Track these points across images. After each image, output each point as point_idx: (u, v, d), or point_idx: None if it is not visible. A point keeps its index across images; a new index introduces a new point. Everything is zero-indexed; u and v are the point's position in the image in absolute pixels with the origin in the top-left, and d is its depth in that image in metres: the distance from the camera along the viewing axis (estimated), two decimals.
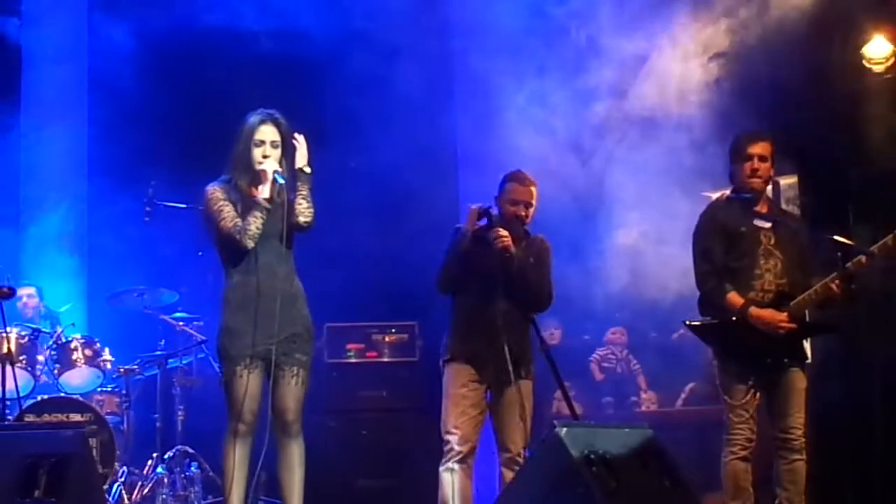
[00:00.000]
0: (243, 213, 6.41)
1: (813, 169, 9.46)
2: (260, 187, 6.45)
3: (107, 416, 9.47)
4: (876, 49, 9.35)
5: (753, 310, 6.81)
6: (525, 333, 7.14)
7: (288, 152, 6.56)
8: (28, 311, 10.35)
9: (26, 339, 9.49)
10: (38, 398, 9.35)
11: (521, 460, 6.90)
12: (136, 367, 9.70)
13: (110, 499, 8.95)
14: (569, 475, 5.32)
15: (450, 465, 7.09)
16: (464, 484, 7.08)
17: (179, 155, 10.42)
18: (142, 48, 10.77)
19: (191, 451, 9.44)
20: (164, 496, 9.05)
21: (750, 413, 6.89)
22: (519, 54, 10.18)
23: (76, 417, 9.27)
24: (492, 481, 7.72)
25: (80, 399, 9.48)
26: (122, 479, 9.24)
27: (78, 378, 9.66)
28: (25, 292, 10.41)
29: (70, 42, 11.60)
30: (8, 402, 8.65)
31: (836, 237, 6.64)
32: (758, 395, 6.92)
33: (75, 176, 11.47)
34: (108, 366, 9.71)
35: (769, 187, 7.41)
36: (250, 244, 6.37)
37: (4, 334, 9.07)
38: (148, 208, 9.38)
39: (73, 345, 9.61)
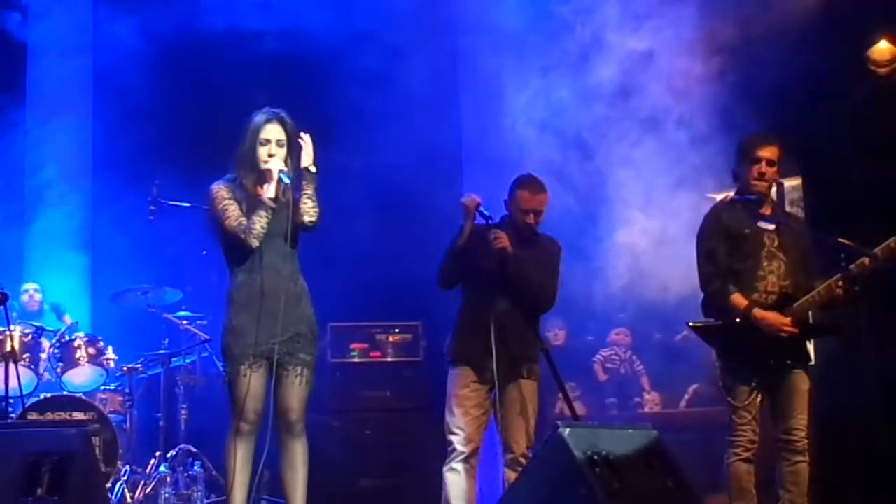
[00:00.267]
0: (248, 212, 6.40)
1: (817, 171, 9.45)
2: (265, 186, 6.44)
3: (110, 415, 9.48)
4: (881, 51, 9.34)
5: (757, 311, 6.80)
6: (527, 334, 7.14)
7: (293, 151, 6.55)
8: (33, 305, 10.39)
9: (30, 337, 9.51)
10: (42, 396, 9.36)
11: (524, 461, 6.90)
12: (139, 365, 9.71)
13: (113, 497, 8.96)
14: (572, 476, 5.32)
15: (453, 465, 7.11)
16: (467, 484, 7.09)
17: (184, 153, 10.44)
18: (147, 45, 10.77)
19: (194, 450, 9.44)
20: (166, 495, 9.05)
21: (753, 414, 6.88)
22: (523, 52, 10.17)
23: (79, 416, 9.28)
24: (496, 482, 7.71)
25: (84, 397, 9.49)
26: (125, 478, 9.24)
27: (81, 376, 9.66)
28: (31, 287, 10.46)
29: (75, 37, 11.63)
30: (11, 401, 8.66)
31: (839, 239, 6.63)
32: (761, 396, 6.91)
33: (80, 173, 11.48)
34: (112, 364, 9.71)
35: (773, 189, 7.40)
36: (255, 243, 6.37)
37: (8, 333, 9.09)
38: (152, 207, 9.39)
39: (76, 343, 9.62)
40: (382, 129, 10.28)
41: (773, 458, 6.99)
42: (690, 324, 7.15)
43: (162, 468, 9.19)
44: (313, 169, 6.54)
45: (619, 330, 11.12)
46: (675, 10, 9.47)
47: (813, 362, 7.30)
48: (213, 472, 9.24)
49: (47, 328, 9.83)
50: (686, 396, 10.58)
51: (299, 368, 6.45)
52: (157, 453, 9.42)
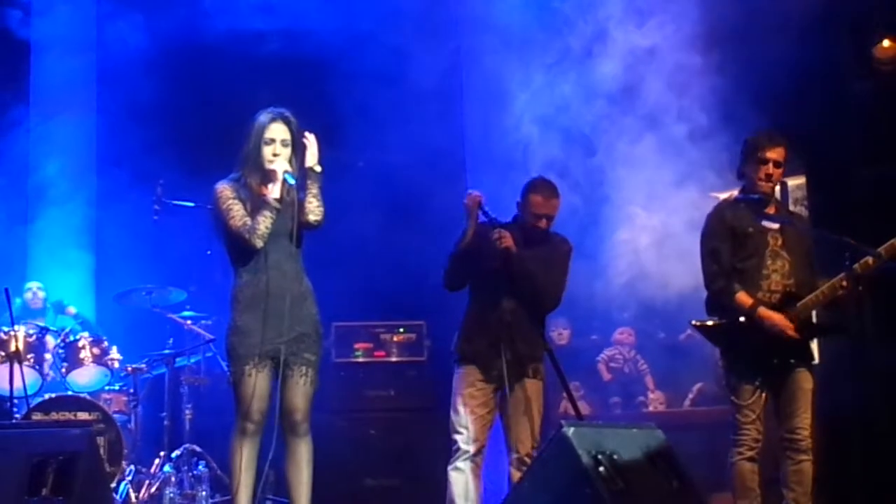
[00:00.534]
0: (253, 212, 6.40)
1: (821, 170, 9.45)
2: (270, 186, 6.44)
3: (114, 415, 9.48)
4: (885, 49, 9.33)
5: (762, 310, 6.81)
6: (533, 334, 7.14)
7: (298, 151, 6.55)
8: (37, 303, 10.40)
9: (34, 337, 9.50)
10: (46, 397, 9.37)
11: (529, 461, 6.89)
12: (143, 365, 9.70)
13: (118, 497, 8.95)
14: (576, 475, 5.33)
15: (458, 464, 7.12)
16: (472, 484, 7.09)
17: (188, 152, 10.42)
18: (151, 44, 10.78)
19: (198, 449, 9.44)
20: (171, 495, 9.05)
21: (757, 413, 6.89)
22: (527, 51, 10.16)
23: (84, 416, 9.28)
24: (501, 482, 7.71)
25: (88, 398, 9.49)
26: (130, 478, 9.23)
27: (85, 376, 9.67)
28: (34, 286, 10.48)
29: (78, 34, 11.61)
30: (16, 401, 8.69)
31: (843, 238, 6.63)
32: (765, 395, 6.91)
33: (84, 171, 11.48)
34: (116, 364, 9.71)
35: (777, 188, 7.40)
36: (259, 244, 6.37)
37: (12, 333, 9.10)
38: (156, 206, 9.39)
39: (80, 343, 9.62)
40: (386, 128, 10.28)
41: (777, 457, 6.99)
42: (694, 323, 7.15)
43: (166, 468, 9.19)
44: (318, 169, 6.53)
45: (623, 329, 11.11)
46: (678, 5, 9.47)
47: (817, 361, 7.29)
48: (218, 472, 9.24)
49: (51, 327, 9.84)
50: (690, 395, 10.58)
51: (304, 368, 6.45)
52: (162, 453, 9.42)
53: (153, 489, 9.15)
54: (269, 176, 6.46)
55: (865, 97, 9.27)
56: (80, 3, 11.69)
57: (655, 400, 10.79)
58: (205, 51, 10.58)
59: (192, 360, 9.93)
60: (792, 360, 6.90)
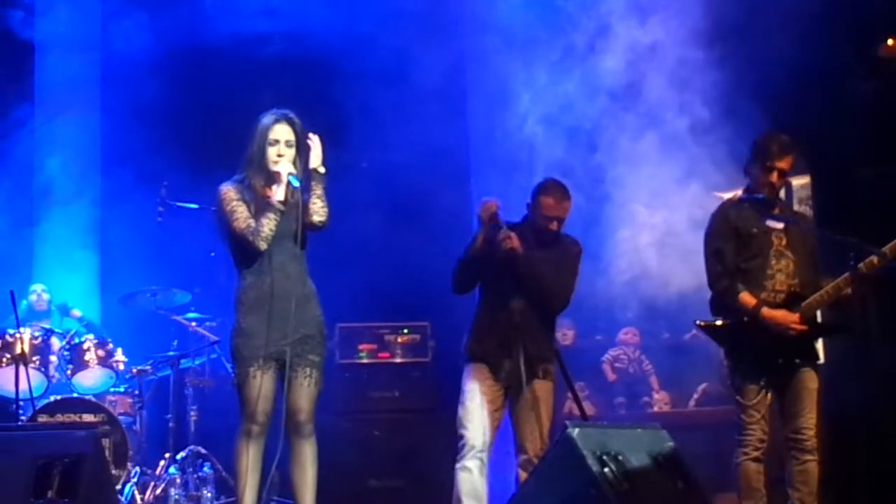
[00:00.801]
0: (257, 214, 6.41)
1: (826, 169, 9.44)
2: (274, 187, 6.45)
3: (119, 417, 9.49)
4: (891, 46, 9.32)
5: (766, 310, 6.80)
6: (543, 334, 7.13)
7: (302, 152, 6.55)
8: (41, 305, 10.41)
9: (39, 339, 9.51)
10: (51, 399, 9.38)
11: (537, 462, 6.88)
12: (148, 367, 9.71)
13: (123, 499, 8.96)
14: (581, 476, 5.33)
15: (466, 462, 7.05)
16: (478, 482, 7.04)
17: (192, 153, 10.43)
18: (155, 45, 10.78)
19: (203, 451, 9.44)
20: (176, 496, 9.05)
21: (762, 413, 6.88)
22: (530, 50, 10.15)
23: (89, 418, 9.29)
24: (508, 483, 7.69)
25: (93, 399, 9.50)
26: (135, 480, 9.24)
27: (91, 378, 9.68)
28: (38, 288, 10.48)
29: (83, 35, 11.60)
30: (21, 403, 8.70)
31: (847, 237, 6.63)
32: (770, 395, 6.91)
33: (88, 172, 11.49)
34: (121, 366, 9.72)
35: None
36: (263, 246, 6.37)
37: (18, 335, 9.11)
38: (160, 208, 9.38)
39: (85, 345, 9.63)
40: (390, 129, 10.28)
41: (782, 457, 6.99)
42: (699, 323, 7.15)
43: (171, 470, 9.20)
44: (322, 170, 6.54)
45: (627, 329, 11.11)
46: (681, 3, 9.47)
47: (822, 361, 7.29)
48: (223, 474, 9.24)
49: (57, 330, 9.85)
50: (695, 396, 10.58)
51: (308, 369, 6.46)
52: (167, 455, 9.42)
53: (158, 491, 9.16)
54: (273, 177, 6.46)
55: (869, 97, 9.26)
56: (84, 3, 11.70)
57: (660, 400, 10.79)
58: (208, 52, 10.59)
59: (197, 362, 9.93)
60: (797, 360, 6.90)
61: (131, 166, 10.67)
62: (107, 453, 8.68)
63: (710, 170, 8.97)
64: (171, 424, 9.60)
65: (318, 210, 6.49)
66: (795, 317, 6.79)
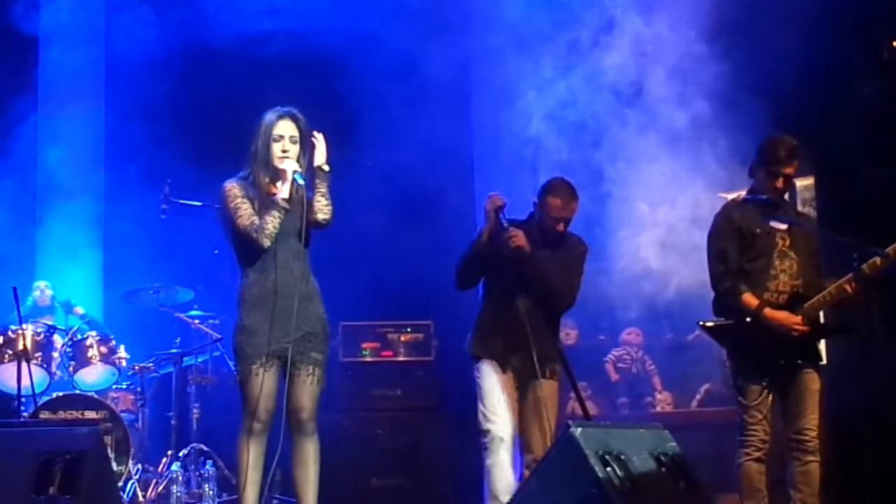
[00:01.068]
0: (261, 211, 6.40)
1: (829, 170, 9.43)
2: (278, 184, 6.44)
3: (122, 414, 9.48)
4: None
5: (768, 311, 6.80)
6: (548, 334, 7.12)
7: (307, 149, 6.55)
8: (45, 300, 10.41)
9: (42, 335, 9.51)
10: (54, 395, 9.38)
11: None
12: (151, 364, 9.72)
13: (125, 496, 8.96)
14: (583, 475, 5.32)
15: (496, 457, 6.97)
16: (510, 476, 6.98)
17: (195, 150, 10.42)
18: (159, 39, 10.79)
19: (206, 448, 9.45)
20: (178, 494, 9.05)
21: (764, 414, 6.88)
22: (535, 47, 10.13)
23: (91, 415, 9.29)
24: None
25: (96, 396, 9.49)
26: (137, 477, 9.25)
27: (93, 375, 9.67)
28: (42, 284, 10.49)
29: (87, 28, 11.59)
30: (23, 399, 8.69)
31: (851, 239, 6.62)
32: (772, 395, 6.90)
33: (92, 168, 11.48)
34: (124, 363, 9.71)
35: None
36: (267, 243, 6.37)
37: (20, 331, 9.11)
38: (164, 206, 9.39)
39: (88, 342, 9.62)
40: (395, 128, 10.27)
41: (784, 458, 6.98)
42: (702, 323, 7.14)
43: (174, 467, 9.20)
44: (326, 168, 6.53)
45: (630, 329, 11.11)
46: (688, 1, 9.47)
47: (824, 362, 7.28)
48: (225, 471, 9.25)
49: (59, 326, 9.84)
50: (698, 396, 10.58)
51: (311, 367, 6.45)
52: (169, 452, 9.43)
53: (160, 488, 9.17)
54: (278, 174, 6.46)
55: (874, 98, 9.25)
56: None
57: (663, 400, 10.79)
58: (213, 49, 10.57)
59: (200, 360, 9.94)
60: (799, 361, 6.89)
61: (135, 162, 10.68)
62: (109, 450, 8.67)
63: (715, 169, 8.96)
64: (173, 422, 9.61)
65: (323, 208, 6.49)
66: (798, 318, 6.79)
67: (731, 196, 7.57)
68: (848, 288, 6.64)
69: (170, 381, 9.80)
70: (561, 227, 7.15)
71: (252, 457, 6.38)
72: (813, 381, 6.89)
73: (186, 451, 9.39)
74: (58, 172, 11.29)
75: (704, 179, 9.09)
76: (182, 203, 9.33)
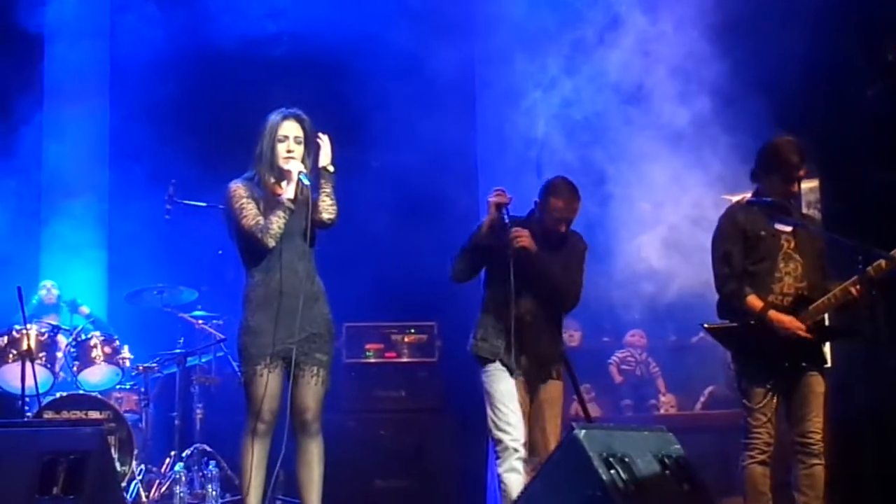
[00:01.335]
0: (266, 211, 6.41)
1: (835, 173, 9.42)
2: (283, 184, 6.45)
3: (125, 414, 9.49)
4: None
5: (772, 313, 6.79)
6: (553, 334, 7.11)
7: (311, 150, 6.56)
8: (51, 299, 10.41)
9: (46, 335, 9.51)
10: (57, 395, 9.39)
11: None
12: (155, 364, 9.72)
13: (128, 496, 8.96)
14: (587, 477, 5.32)
15: (511, 465, 6.90)
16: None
17: (200, 150, 10.43)
18: (165, 39, 10.75)
19: (209, 449, 9.45)
20: (181, 494, 9.04)
21: (768, 416, 6.87)
22: (540, 47, 10.11)
23: (95, 415, 9.29)
24: None
25: (99, 396, 9.50)
26: (140, 477, 9.24)
27: (97, 375, 9.68)
28: (48, 283, 10.49)
29: (92, 27, 11.58)
30: (27, 399, 8.70)
31: (856, 241, 6.61)
32: (776, 398, 6.89)
33: (97, 166, 11.47)
34: (127, 363, 9.72)
35: None
36: (271, 243, 6.37)
37: (24, 331, 9.11)
38: (168, 206, 9.39)
39: (92, 342, 9.63)
40: (399, 128, 10.27)
41: (788, 461, 6.98)
42: (706, 325, 7.13)
43: (177, 467, 9.19)
44: (331, 168, 6.55)
45: (634, 331, 11.10)
46: (693, 2, 9.46)
47: (829, 365, 7.27)
48: (228, 472, 9.25)
49: (63, 326, 9.85)
50: (702, 398, 10.57)
51: (315, 368, 6.46)
52: (173, 452, 9.42)
53: (163, 488, 9.16)
54: (283, 174, 6.47)
55: (879, 100, 9.23)
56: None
57: (667, 403, 10.78)
58: (218, 49, 10.56)
59: (203, 360, 9.94)
60: (804, 364, 6.88)
61: (140, 162, 10.68)
62: (112, 450, 8.68)
63: (719, 169, 8.94)
64: (176, 422, 9.61)
65: (328, 208, 6.50)
66: (803, 321, 6.78)
67: (735, 198, 7.55)
68: (853, 290, 6.63)
69: (173, 382, 9.79)
70: (563, 227, 7.12)
71: (256, 457, 6.40)
72: (817, 384, 6.88)
73: (190, 452, 9.39)
74: (62, 172, 11.30)
75: (708, 179, 9.07)
76: (186, 203, 9.33)
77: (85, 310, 10.36)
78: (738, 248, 6.97)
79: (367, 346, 10.25)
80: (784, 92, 9.04)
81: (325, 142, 6.57)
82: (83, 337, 9.67)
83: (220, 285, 9.71)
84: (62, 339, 9.72)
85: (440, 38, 10.21)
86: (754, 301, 6.84)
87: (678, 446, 5.84)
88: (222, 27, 10.24)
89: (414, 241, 10.26)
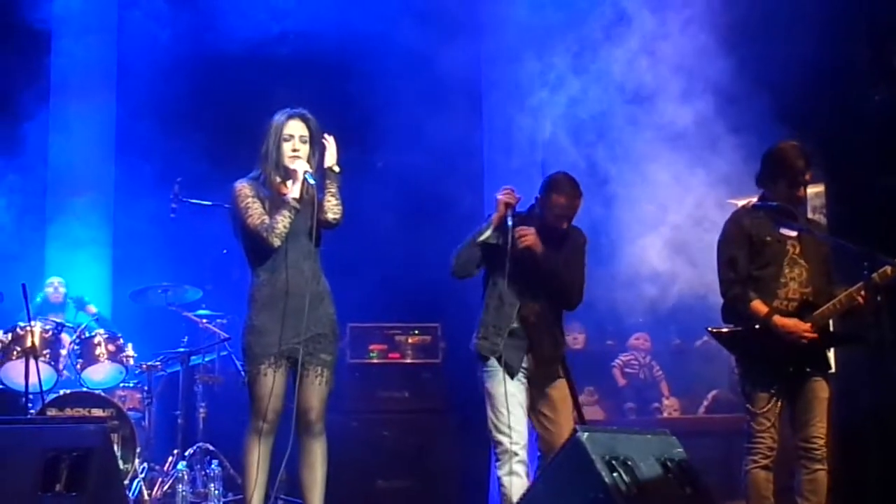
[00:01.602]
0: (271, 211, 6.41)
1: (840, 178, 9.41)
2: (289, 183, 6.45)
3: (128, 412, 9.50)
4: None
5: (777, 318, 6.78)
6: (557, 333, 7.09)
7: (317, 149, 6.56)
8: (57, 298, 10.42)
9: (50, 333, 9.51)
10: (61, 392, 9.39)
11: None
12: (158, 363, 9.72)
13: (131, 494, 8.96)
14: (590, 480, 5.32)
15: (513, 467, 6.85)
16: (527, 485, 6.88)
17: (207, 150, 10.44)
18: (171, 39, 10.80)
19: (212, 448, 9.45)
20: (184, 493, 9.03)
21: (772, 421, 6.86)
22: (547, 48, 10.10)
23: (98, 412, 9.29)
24: None
25: (103, 394, 9.51)
26: (143, 475, 9.25)
27: (100, 373, 9.68)
28: (55, 281, 10.49)
29: (99, 23, 11.59)
30: (31, 396, 8.70)
31: (861, 247, 6.60)
32: (780, 403, 6.89)
33: (103, 164, 11.47)
34: (131, 361, 9.72)
35: None
36: (277, 242, 6.37)
37: (29, 328, 9.11)
38: (174, 205, 9.39)
39: (96, 340, 9.63)
40: (405, 129, 10.27)
41: (791, 466, 6.97)
42: (710, 329, 7.13)
43: (180, 466, 9.18)
44: (337, 169, 6.55)
45: (638, 335, 11.11)
46: (697, 6, 9.45)
47: (833, 370, 7.27)
48: (231, 471, 9.24)
49: (67, 324, 9.85)
50: (705, 402, 10.58)
51: (320, 368, 6.45)
52: (176, 451, 9.43)
53: (166, 487, 9.16)
54: (289, 174, 6.46)
55: (885, 104, 9.22)
56: None
57: (670, 406, 10.79)
58: (225, 49, 10.55)
59: (207, 359, 9.95)
60: (808, 369, 6.88)
61: (146, 160, 10.68)
62: (115, 448, 8.67)
63: (724, 172, 8.94)
64: (179, 421, 9.61)
65: (333, 207, 6.50)
66: (807, 325, 6.78)
67: (740, 202, 7.55)
68: (858, 297, 6.62)
69: (177, 380, 9.80)
70: (565, 224, 7.08)
71: (259, 457, 6.39)
72: (821, 390, 6.88)
73: (192, 451, 9.40)
74: (68, 168, 11.31)
75: (713, 183, 9.06)
76: (192, 202, 9.33)
77: (92, 308, 10.37)
78: (744, 252, 6.97)
79: (371, 347, 10.25)
80: (790, 96, 9.04)
81: (330, 142, 6.57)
82: (87, 334, 9.68)
83: (224, 284, 9.72)
84: (66, 337, 9.72)
85: (446, 38, 10.21)
86: (759, 306, 6.84)
87: (681, 450, 5.84)
88: (230, 26, 10.25)
89: (419, 241, 10.25)
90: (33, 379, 8.54)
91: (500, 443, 6.92)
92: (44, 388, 8.91)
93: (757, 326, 6.84)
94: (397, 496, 9.93)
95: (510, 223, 6.89)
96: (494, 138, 11.06)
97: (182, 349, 9.74)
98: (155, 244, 10.48)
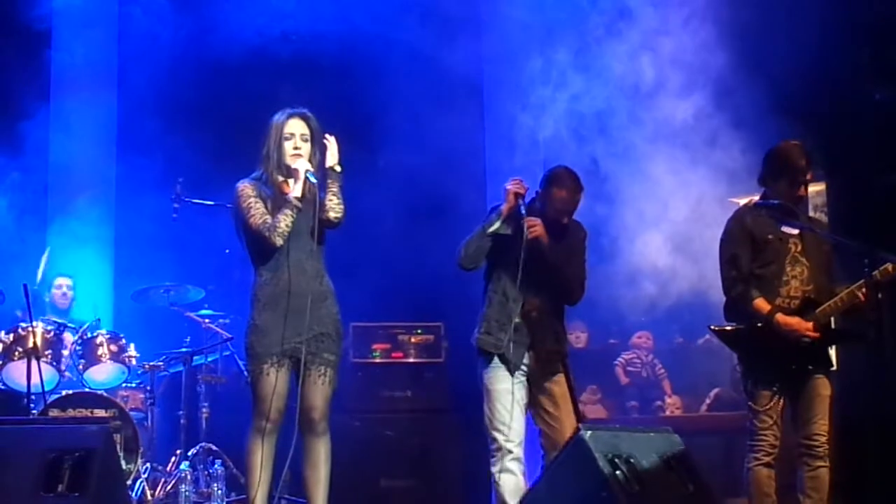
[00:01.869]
0: (274, 210, 6.41)
1: (841, 176, 9.42)
2: (291, 182, 6.45)
3: (131, 412, 9.48)
4: None
5: (780, 316, 6.79)
6: (559, 328, 7.09)
7: (318, 148, 6.56)
8: (65, 302, 10.37)
9: (52, 333, 9.50)
10: (63, 393, 9.37)
11: None
12: (161, 363, 9.71)
13: (133, 495, 8.95)
14: (593, 478, 5.33)
15: (505, 466, 6.87)
16: (521, 482, 6.86)
17: (208, 150, 10.43)
18: (173, 40, 10.76)
19: (214, 448, 9.44)
20: (187, 493, 9.04)
21: (774, 419, 6.87)
22: (548, 46, 10.10)
23: (100, 413, 9.28)
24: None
25: (105, 394, 9.49)
26: (146, 476, 9.23)
27: (103, 373, 9.67)
28: (63, 283, 10.44)
29: (100, 20, 11.55)
30: (33, 397, 8.70)
31: (863, 245, 6.61)
32: (782, 401, 6.90)
33: (104, 163, 11.45)
34: (134, 362, 9.70)
35: None
36: (279, 242, 6.37)
37: (31, 329, 9.11)
38: (175, 205, 9.39)
39: (98, 340, 9.61)
40: (406, 128, 10.27)
41: (793, 463, 6.97)
42: (712, 328, 7.14)
43: (183, 466, 9.19)
44: (339, 168, 6.55)
45: (641, 333, 11.11)
46: (698, 5, 9.45)
47: (835, 368, 7.27)
48: (234, 471, 9.24)
49: (70, 324, 9.84)
50: (707, 400, 10.58)
51: (323, 368, 6.45)
52: (178, 451, 9.43)
53: (169, 487, 9.17)
54: (291, 173, 6.47)
55: (886, 103, 9.23)
56: None
57: (672, 404, 10.80)
58: (227, 48, 10.52)
59: (210, 359, 9.94)
60: (810, 367, 6.89)
61: (148, 158, 10.65)
62: (118, 448, 8.67)
63: (725, 170, 8.94)
64: (182, 421, 9.61)
65: (335, 206, 6.51)
66: (810, 324, 6.79)
67: (742, 201, 7.56)
68: (860, 294, 6.62)
69: (179, 380, 9.79)
70: (565, 219, 7.07)
71: (262, 457, 6.40)
72: (823, 387, 6.89)
73: (195, 451, 9.39)
74: (69, 167, 11.26)
75: (714, 180, 9.06)
76: (194, 202, 9.33)
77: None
78: (746, 251, 6.98)
79: (374, 346, 10.24)
80: (791, 95, 9.04)
81: (331, 142, 6.57)
82: (89, 335, 9.66)
83: (226, 284, 9.73)
84: (68, 337, 9.71)
85: (448, 37, 10.21)
86: (761, 304, 6.85)
87: (683, 447, 5.85)
88: (231, 25, 10.24)
89: (422, 240, 10.24)
90: (35, 379, 8.53)
91: (494, 439, 6.93)
92: (46, 389, 8.91)
93: (759, 324, 6.85)
94: (400, 496, 9.92)
95: (524, 212, 6.88)
96: (496, 137, 11.06)
97: (185, 349, 9.75)
98: (157, 244, 10.45)
